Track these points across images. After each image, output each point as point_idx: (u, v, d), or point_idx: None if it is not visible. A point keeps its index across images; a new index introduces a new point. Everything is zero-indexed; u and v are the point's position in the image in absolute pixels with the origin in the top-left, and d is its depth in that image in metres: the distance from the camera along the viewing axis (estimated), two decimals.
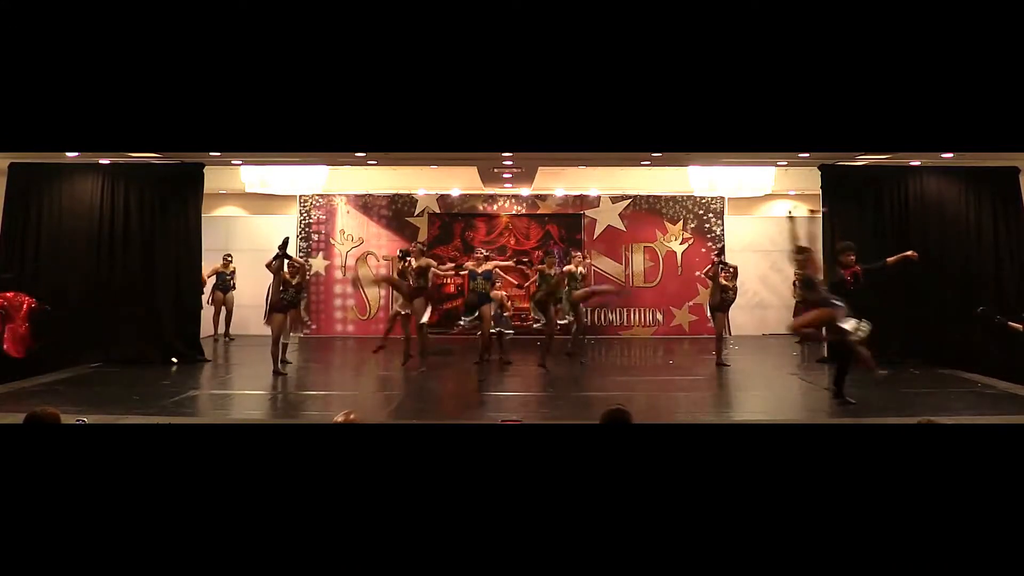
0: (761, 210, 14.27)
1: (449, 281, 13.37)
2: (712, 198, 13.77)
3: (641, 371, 11.25)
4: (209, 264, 12.73)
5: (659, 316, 13.95)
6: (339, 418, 3.85)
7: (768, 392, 9.26)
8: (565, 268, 10.81)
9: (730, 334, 12.91)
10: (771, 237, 13.92)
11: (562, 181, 13.69)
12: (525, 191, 13.82)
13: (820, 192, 11.30)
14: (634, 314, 13.97)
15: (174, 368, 10.32)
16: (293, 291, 9.60)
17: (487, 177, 12.57)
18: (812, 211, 10.05)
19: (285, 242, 9.79)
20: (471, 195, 13.91)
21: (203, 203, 11.30)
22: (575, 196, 14.01)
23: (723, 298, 10.66)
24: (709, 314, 11.54)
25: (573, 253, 11.65)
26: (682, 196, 13.86)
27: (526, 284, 12.17)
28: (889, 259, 8.62)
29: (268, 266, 9.79)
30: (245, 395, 8.97)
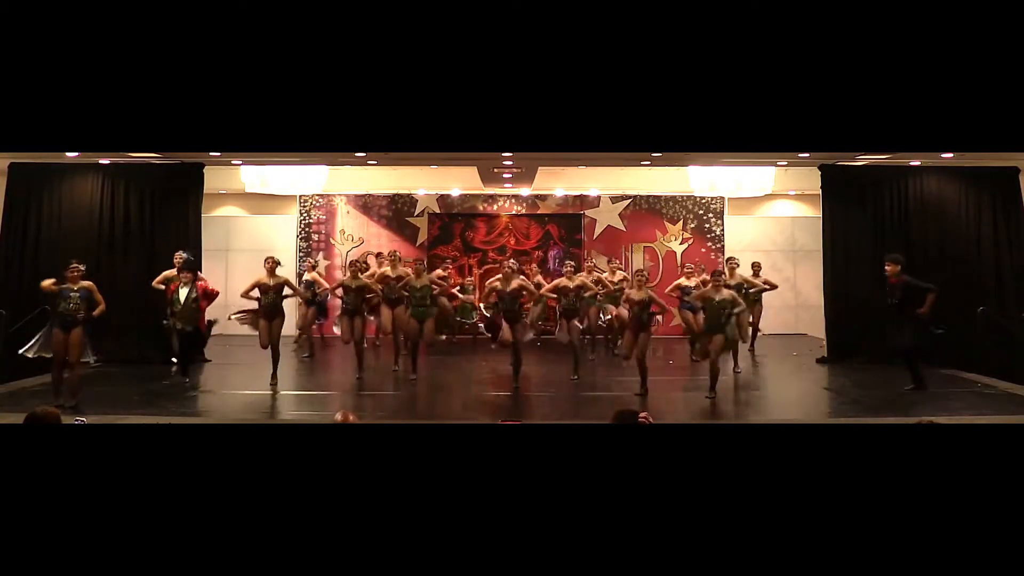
0: (761, 210, 14.26)
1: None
2: (712, 198, 13.75)
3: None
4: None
5: (658, 316, 13.91)
6: (338, 417, 3.88)
7: (767, 392, 9.25)
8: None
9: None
10: (771, 237, 13.90)
11: (562, 181, 13.68)
12: (525, 191, 13.81)
13: (820, 192, 11.30)
14: None
15: (174, 368, 10.30)
16: (273, 294, 9.32)
17: (487, 177, 12.56)
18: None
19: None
20: (471, 195, 13.89)
21: (203, 203, 11.29)
22: (575, 196, 13.99)
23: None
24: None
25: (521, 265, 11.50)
26: (682, 196, 13.85)
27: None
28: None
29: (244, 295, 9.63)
30: (245, 395, 8.96)
